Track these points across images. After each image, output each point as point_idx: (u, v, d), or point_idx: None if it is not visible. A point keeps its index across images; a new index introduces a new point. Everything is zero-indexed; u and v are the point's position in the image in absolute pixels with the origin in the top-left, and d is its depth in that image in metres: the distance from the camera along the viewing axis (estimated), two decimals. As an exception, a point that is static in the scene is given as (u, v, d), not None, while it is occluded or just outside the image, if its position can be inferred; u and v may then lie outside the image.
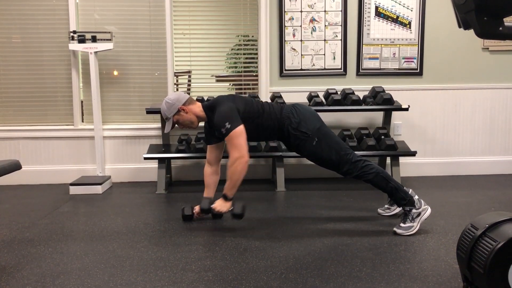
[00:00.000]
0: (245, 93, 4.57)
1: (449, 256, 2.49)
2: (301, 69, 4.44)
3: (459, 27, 1.79)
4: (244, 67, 4.65)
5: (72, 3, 4.31)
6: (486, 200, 3.70)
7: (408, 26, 4.42)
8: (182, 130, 4.32)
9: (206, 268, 2.40)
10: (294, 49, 4.42)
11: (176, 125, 3.10)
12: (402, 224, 2.87)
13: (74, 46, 4.18)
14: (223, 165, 3.20)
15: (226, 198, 2.92)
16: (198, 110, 3.04)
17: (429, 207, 2.90)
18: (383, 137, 4.08)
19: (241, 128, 2.84)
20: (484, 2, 1.59)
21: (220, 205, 2.92)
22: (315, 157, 2.98)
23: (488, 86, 4.53)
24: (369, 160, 3.08)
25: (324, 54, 4.43)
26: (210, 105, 3.01)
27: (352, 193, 3.87)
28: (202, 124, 3.19)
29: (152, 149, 4.21)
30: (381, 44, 4.44)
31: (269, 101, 4.25)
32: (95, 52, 4.16)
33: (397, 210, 3.20)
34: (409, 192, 2.94)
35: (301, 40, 4.41)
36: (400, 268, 2.36)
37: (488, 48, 4.48)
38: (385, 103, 4.09)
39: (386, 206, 3.28)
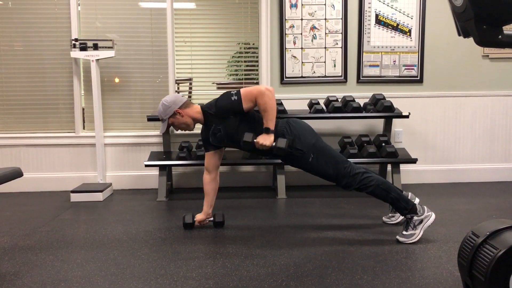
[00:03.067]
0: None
1: (450, 264, 2.49)
2: (302, 77, 4.46)
3: (459, 35, 1.80)
4: (245, 75, 4.66)
5: (74, 11, 4.34)
6: (487, 207, 3.70)
7: (408, 33, 4.44)
8: (183, 137, 4.34)
9: (207, 275, 2.40)
10: (294, 57, 4.44)
11: (171, 126, 3.12)
12: (404, 232, 2.86)
13: (76, 53, 4.20)
14: (222, 172, 3.21)
15: (268, 131, 2.83)
16: (194, 112, 3.01)
17: (433, 214, 2.88)
18: (383, 144, 4.08)
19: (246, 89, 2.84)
20: (483, 11, 1.60)
21: (264, 139, 2.81)
22: (312, 172, 2.95)
23: (489, 93, 4.54)
24: (369, 169, 3.08)
25: (325, 62, 4.45)
26: (209, 104, 3.00)
27: (353, 200, 3.87)
28: (198, 130, 3.19)
29: (153, 156, 4.22)
30: (381, 52, 4.45)
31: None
32: (97, 60, 4.18)
33: (401, 217, 3.20)
34: (409, 197, 2.94)
35: (301, 48, 4.43)
36: (401, 275, 2.36)
37: (488, 56, 4.50)
38: (385, 110, 4.09)
39: (390, 214, 3.28)
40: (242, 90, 2.86)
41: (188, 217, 3.17)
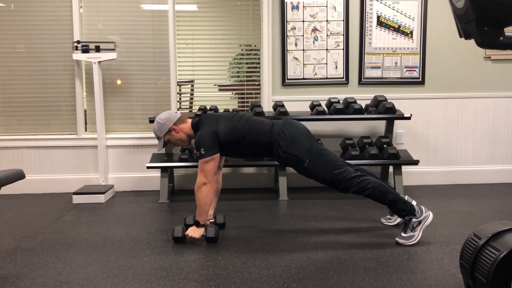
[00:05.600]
0: (247, 102, 4.59)
1: (452, 266, 2.48)
2: (303, 78, 4.46)
3: (460, 36, 1.79)
4: (247, 76, 4.67)
5: (76, 13, 4.35)
6: (489, 209, 3.69)
7: (409, 35, 4.44)
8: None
9: (208, 277, 2.40)
10: (296, 58, 4.44)
11: (168, 143, 3.13)
12: (403, 234, 2.86)
13: (78, 56, 4.21)
14: (223, 174, 3.21)
15: (197, 225, 2.94)
16: (189, 129, 3.05)
17: (430, 213, 2.87)
18: (385, 146, 4.08)
19: (213, 157, 2.88)
20: (484, 13, 1.60)
21: (193, 232, 2.92)
22: (309, 176, 2.96)
23: (490, 95, 4.53)
24: (371, 170, 3.07)
25: (326, 63, 4.45)
26: (196, 124, 3.02)
27: (354, 202, 3.86)
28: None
29: (155, 158, 4.22)
30: (383, 53, 4.45)
31: (271, 110, 4.27)
32: (99, 62, 4.20)
33: (399, 219, 3.19)
34: (405, 198, 2.93)
35: (303, 50, 4.43)
36: (403, 277, 2.36)
37: (490, 57, 4.49)
38: (387, 112, 4.09)
39: (388, 216, 3.28)
40: (204, 160, 2.87)
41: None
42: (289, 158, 2.91)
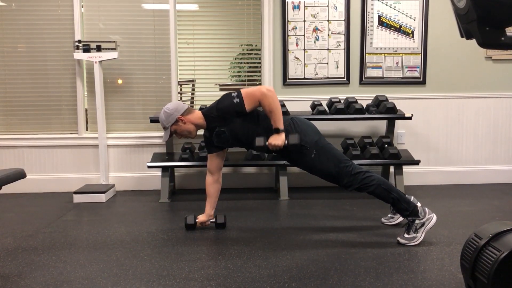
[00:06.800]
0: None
1: (453, 266, 2.48)
2: (304, 78, 4.46)
3: (461, 36, 1.80)
4: (248, 76, 4.67)
5: (77, 13, 4.35)
6: (490, 209, 3.69)
7: (411, 35, 4.43)
8: (185, 138, 4.34)
9: (209, 277, 2.40)
10: (297, 58, 4.44)
11: (174, 134, 3.11)
12: (405, 235, 2.85)
13: (79, 55, 4.22)
14: (224, 174, 3.21)
15: (278, 131, 2.84)
16: (196, 118, 3.02)
17: (434, 215, 2.87)
18: (386, 145, 4.08)
19: (245, 88, 2.88)
20: (486, 13, 1.60)
21: (275, 139, 2.82)
22: (314, 170, 2.94)
23: (491, 95, 4.53)
24: (372, 169, 3.07)
25: (327, 63, 4.45)
26: (210, 107, 3.02)
27: (355, 202, 3.87)
28: (201, 132, 3.19)
29: (156, 157, 4.22)
30: (384, 53, 4.45)
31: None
32: (100, 61, 4.20)
33: (401, 218, 3.19)
34: (411, 200, 2.93)
35: (304, 49, 4.43)
36: (403, 277, 2.36)
37: (491, 57, 4.49)
38: (388, 112, 4.09)
39: (389, 215, 3.28)
40: (243, 92, 2.87)
41: (190, 218, 3.18)
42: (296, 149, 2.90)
